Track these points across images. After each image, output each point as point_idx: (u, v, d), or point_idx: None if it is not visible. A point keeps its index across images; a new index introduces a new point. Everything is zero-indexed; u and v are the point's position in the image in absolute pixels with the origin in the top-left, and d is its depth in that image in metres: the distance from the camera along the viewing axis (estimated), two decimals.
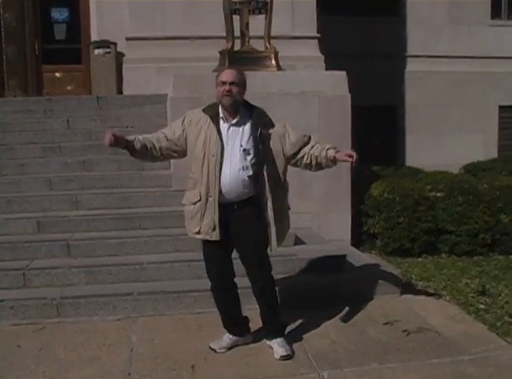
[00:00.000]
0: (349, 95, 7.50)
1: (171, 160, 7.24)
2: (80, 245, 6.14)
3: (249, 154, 4.33)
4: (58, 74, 11.67)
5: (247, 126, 4.39)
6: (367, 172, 8.94)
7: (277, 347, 4.61)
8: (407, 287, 6.20)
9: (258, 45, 7.88)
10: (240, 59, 7.57)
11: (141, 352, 4.71)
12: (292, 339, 4.84)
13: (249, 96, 6.77)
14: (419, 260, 7.68)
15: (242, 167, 4.31)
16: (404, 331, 5.05)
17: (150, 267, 5.80)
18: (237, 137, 4.36)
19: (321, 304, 5.51)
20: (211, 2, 9.08)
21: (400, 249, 7.82)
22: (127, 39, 10.43)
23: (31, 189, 7.16)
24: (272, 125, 4.43)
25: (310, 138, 4.53)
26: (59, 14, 11.86)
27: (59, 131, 8.40)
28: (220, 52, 7.78)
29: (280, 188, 4.48)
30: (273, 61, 7.67)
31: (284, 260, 5.97)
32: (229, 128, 4.39)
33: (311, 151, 4.46)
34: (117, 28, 10.65)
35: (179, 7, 10.19)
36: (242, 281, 4.69)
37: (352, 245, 7.56)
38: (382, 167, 9.96)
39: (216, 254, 4.54)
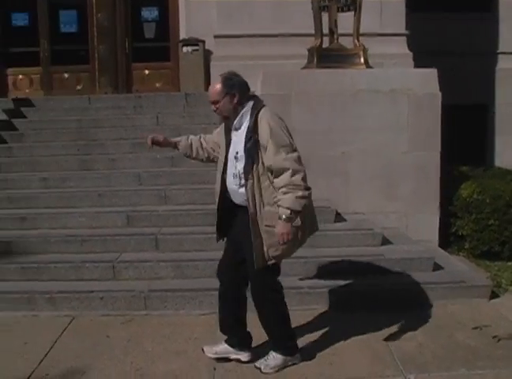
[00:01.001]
0: (440, 94, 7.32)
1: None
2: (168, 239, 6.24)
3: (238, 161, 4.14)
4: (147, 72, 11.91)
5: (244, 133, 4.14)
6: (456, 172, 8.71)
7: (261, 359, 4.46)
8: (496, 292, 6.02)
9: (346, 42, 7.79)
10: (328, 57, 7.53)
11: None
12: (378, 340, 4.78)
13: (337, 93, 6.74)
14: (509, 263, 7.42)
15: (233, 175, 4.18)
16: (495, 337, 4.90)
17: None
18: (235, 145, 4.19)
19: (408, 305, 5.43)
20: (299, 1, 9.06)
21: (490, 252, 7.58)
22: (215, 36, 10.51)
23: (121, 184, 7.33)
24: (264, 132, 4.06)
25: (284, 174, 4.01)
26: (149, 13, 12.10)
27: (148, 127, 8.54)
28: (309, 50, 7.74)
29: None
30: (362, 59, 7.57)
31: (371, 260, 5.90)
32: (233, 135, 4.25)
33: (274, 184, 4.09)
34: (205, 26, 10.74)
35: (267, 5, 10.20)
36: None
37: (440, 246, 7.38)
38: (471, 168, 9.65)
39: (223, 257, 4.57)
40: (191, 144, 4.57)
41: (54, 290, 5.61)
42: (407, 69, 8.85)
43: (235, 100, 4.13)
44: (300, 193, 3.96)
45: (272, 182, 4.04)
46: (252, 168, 4.04)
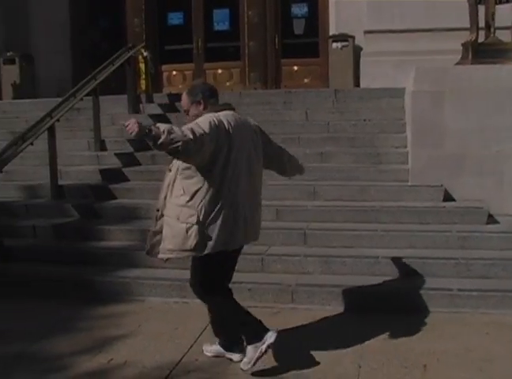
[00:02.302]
0: None
1: (410, 155, 7.18)
2: (316, 234, 6.28)
3: None
4: (295, 67, 12.05)
5: None
6: None
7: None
8: None
9: (504, 36, 7.47)
10: (484, 52, 7.26)
11: (372, 346, 4.69)
12: None
13: (493, 90, 6.45)
14: None
15: None
16: None
17: (384, 261, 5.76)
18: None
19: None
20: None
21: None
22: (365, 32, 10.44)
23: (270, 178, 7.38)
24: None
25: None
26: (299, 10, 12.23)
27: (298, 123, 8.66)
28: (463, 44, 7.49)
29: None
30: None
31: None
32: None
33: None
34: (355, 22, 10.69)
35: None
36: None
37: None
38: None
39: None
40: None
41: None
42: None
43: (201, 107, 4.27)
44: (185, 130, 3.84)
45: (181, 176, 4.08)
46: (173, 161, 4.13)
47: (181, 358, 4.54)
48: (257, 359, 4.21)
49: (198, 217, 4.04)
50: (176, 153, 3.85)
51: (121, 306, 5.66)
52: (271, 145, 4.71)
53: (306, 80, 11.88)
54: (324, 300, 5.51)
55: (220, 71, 12.39)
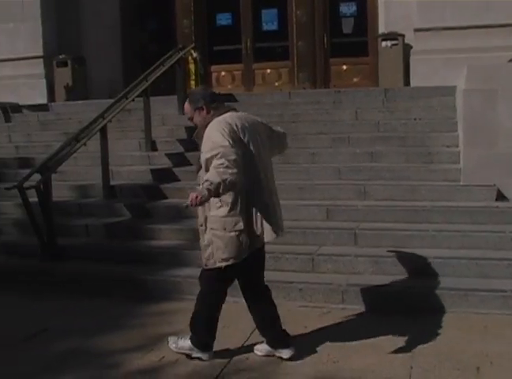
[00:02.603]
0: None
1: (461, 154, 7.08)
2: (366, 234, 6.24)
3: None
4: (344, 67, 12.00)
5: None
6: None
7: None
8: None
9: None
10: None
11: (423, 347, 4.63)
12: None
13: None
14: None
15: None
16: None
17: (437, 262, 5.69)
18: None
19: None
20: None
21: None
22: (415, 30, 10.30)
23: (320, 178, 7.42)
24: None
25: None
26: (347, 9, 12.17)
27: (348, 122, 8.62)
28: None
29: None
30: None
31: None
32: None
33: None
34: (404, 20, 10.58)
35: None
36: None
37: None
38: None
39: None
40: None
41: None
42: None
43: (204, 112, 4.40)
44: (221, 170, 3.93)
45: None
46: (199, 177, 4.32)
47: (232, 357, 4.57)
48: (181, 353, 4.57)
49: (244, 222, 4.25)
50: (228, 191, 4.04)
51: (172, 304, 5.74)
52: (274, 134, 4.72)
53: (355, 80, 11.82)
54: (374, 300, 5.47)
55: (268, 71, 12.43)
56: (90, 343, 4.99)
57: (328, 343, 4.77)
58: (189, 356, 4.58)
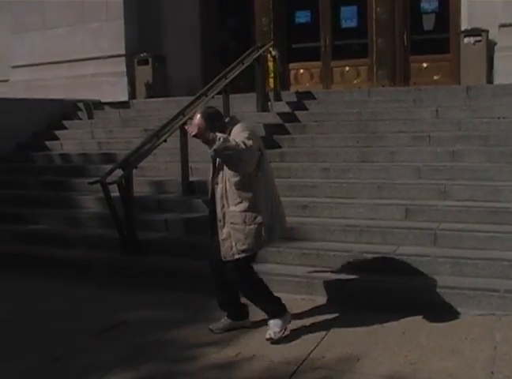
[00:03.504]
0: None
1: None
2: (446, 235, 6.10)
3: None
4: (424, 64, 11.81)
5: None
6: None
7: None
8: None
9: None
10: None
11: (505, 352, 4.51)
12: None
13: None
14: None
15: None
16: None
17: None
18: None
19: None
20: None
21: None
22: (500, 25, 10.03)
23: (400, 177, 7.32)
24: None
25: None
26: (428, 5, 11.98)
27: (428, 120, 8.47)
28: None
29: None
30: None
31: None
32: None
33: None
34: (488, 15, 10.30)
35: None
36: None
37: None
38: None
39: (211, 250, 5.06)
40: None
41: (332, 277, 5.83)
42: None
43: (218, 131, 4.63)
44: (242, 145, 4.44)
45: (234, 189, 4.67)
46: (219, 175, 4.75)
47: (308, 355, 4.57)
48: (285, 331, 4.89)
49: (263, 216, 4.69)
50: (230, 160, 4.50)
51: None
52: None
53: (435, 77, 11.60)
54: (454, 302, 5.34)
55: (347, 69, 12.35)
56: (168, 336, 5.08)
57: (406, 344, 4.72)
58: (285, 330, 4.89)
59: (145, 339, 5.01)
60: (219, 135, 4.41)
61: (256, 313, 5.10)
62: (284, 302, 5.01)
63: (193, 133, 4.65)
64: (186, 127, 4.81)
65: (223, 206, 4.75)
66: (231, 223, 4.71)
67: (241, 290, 5.00)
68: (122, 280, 6.49)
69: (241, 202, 4.67)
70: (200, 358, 4.62)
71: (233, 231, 4.70)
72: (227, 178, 4.68)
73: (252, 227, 4.67)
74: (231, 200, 4.69)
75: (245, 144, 4.43)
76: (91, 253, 7.15)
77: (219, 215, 4.79)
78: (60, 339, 5.08)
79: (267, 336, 4.82)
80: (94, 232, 7.64)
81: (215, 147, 4.40)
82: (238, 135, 4.57)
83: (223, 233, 4.77)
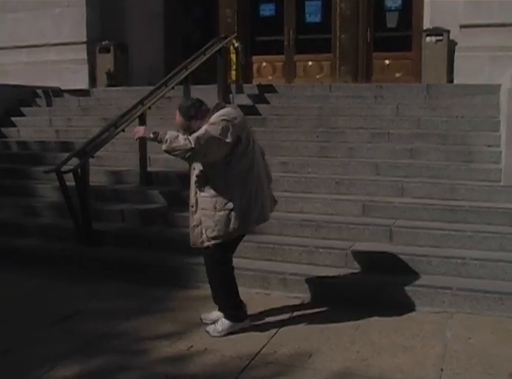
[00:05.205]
0: None
1: (503, 155, 6.94)
2: (402, 232, 6.13)
3: None
4: (387, 61, 11.86)
5: None
6: None
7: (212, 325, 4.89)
8: None
9: None
10: None
11: (456, 349, 4.55)
12: None
13: None
14: None
15: None
16: None
17: (472, 263, 5.58)
18: None
19: None
20: None
21: None
22: (461, 26, 10.11)
23: (358, 173, 7.34)
24: None
25: None
26: (392, 2, 12.06)
27: (388, 117, 8.51)
28: None
29: None
30: None
31: None
32: None
33: None
34: (450, 15, 10.40)
35: None
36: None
37: None
38: None
39: None
40: None
41: (288, 271, 5.80)
42: None
43: (199, 117, 4.66)
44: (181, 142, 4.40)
45: (206, 175, 4.63)
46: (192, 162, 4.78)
47: (260, 350, 4.55)
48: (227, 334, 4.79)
49: (233, 202, 4.56)
50: (183, 159, 4.59)
51: (203, 291, 5.64)
52: None
53: (397, 75, 11.69)
54: (407, 299, 5.36)
55: (310, 63, 12.36)
56: (120, 327, 5.03)
57: (358, 340, 4.73)
58: (234, 333, 4.79)
59: (98, 330, 4.94)
60: (167, 136, 4.42)
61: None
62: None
63: (137, 137, 4.76)
64: (135, 131, 4.82)
65: (196, 192, 4.74)
66: (202, 208, 4.67)
67: (208, 277, 4.93)
68: (76, 271, 6.42)
69: (212, 188, 4.61)
70: (151, 351, 4.57)
71: (204, 218, 4.66)
72: (199, 164, 4.69)
73: (222, 213, 4.57)
74: (203, 186, 4.66)
75: (198, 140, 4.36)
76: (47, 243, 7.04)
77: (191, 200, 4.80)
78: (11, 331, 4.98)
79: (207, 329, 4.84)
80: (50, 222, 7.53)
81: (163, 148, 4.46)
82: (208, 123, 4.51)
83: (194, 219, 4.77)
